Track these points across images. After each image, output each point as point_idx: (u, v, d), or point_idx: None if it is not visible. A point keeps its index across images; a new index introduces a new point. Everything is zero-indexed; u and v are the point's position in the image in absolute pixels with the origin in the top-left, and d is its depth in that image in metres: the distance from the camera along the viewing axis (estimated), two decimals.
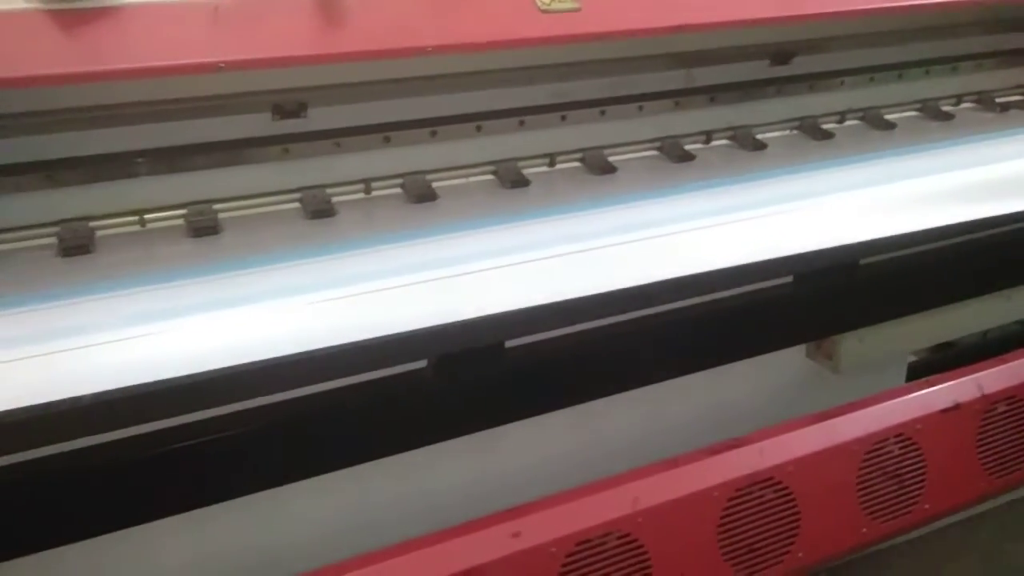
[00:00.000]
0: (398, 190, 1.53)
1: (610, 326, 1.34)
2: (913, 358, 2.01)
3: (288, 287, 1.20)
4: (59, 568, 1.16)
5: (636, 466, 1.41)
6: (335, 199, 1.47)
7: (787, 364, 1.77)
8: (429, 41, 1.27)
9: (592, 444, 1.57)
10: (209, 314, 1.14)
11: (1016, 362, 1.77)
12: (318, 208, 1.42)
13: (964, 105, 2.09)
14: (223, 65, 1.15)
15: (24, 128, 1.28)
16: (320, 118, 1.47)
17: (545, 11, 1.36)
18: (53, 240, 1.29)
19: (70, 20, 1.12)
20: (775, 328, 1.57)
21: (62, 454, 1.02)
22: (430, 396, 1.24)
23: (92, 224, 1.32)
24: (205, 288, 1.19)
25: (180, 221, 1.37)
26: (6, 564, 1.04)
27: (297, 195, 1.45)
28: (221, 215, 1.39)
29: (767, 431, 1.51)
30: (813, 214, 1.53)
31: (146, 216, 1.36)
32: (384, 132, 1.51)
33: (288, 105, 1.42)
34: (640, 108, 1.72)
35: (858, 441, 1.54)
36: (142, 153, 1.36)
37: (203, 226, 1.34)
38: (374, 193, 1.52)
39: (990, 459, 1.67)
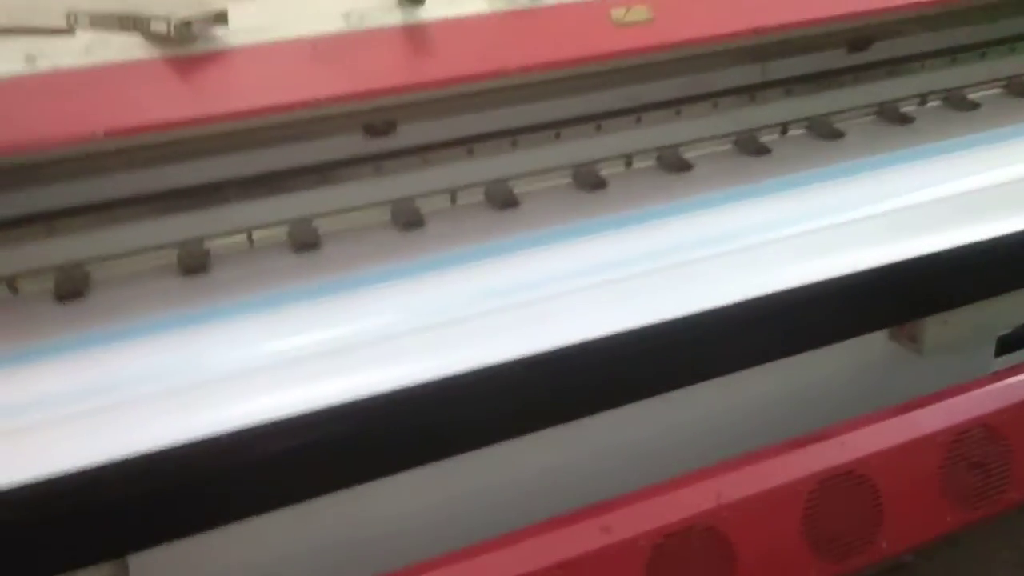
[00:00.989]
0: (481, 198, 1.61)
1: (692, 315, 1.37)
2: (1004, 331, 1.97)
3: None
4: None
5: (721, 456, 1.46)
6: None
7: (871, 347, 1.77)
8: (512, 63, 1.33)
9: (675, 434, 1.61)
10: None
11: None
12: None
13: None
14: (323, 101, 1.23)
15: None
16: (409, 134, 1.55)
17: (620, 25, 1.40)
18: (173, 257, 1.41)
19: (180, 66, 1.22)
20: (860, 312, 1.57)
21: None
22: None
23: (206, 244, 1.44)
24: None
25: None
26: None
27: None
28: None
29: (848, 423, 1.54)
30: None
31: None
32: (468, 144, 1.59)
33: (378, 124, 1.50)
34: (715, 105, 1.74)
35: (942, 432, 1.55)
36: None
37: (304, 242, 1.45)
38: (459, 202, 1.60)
39: None
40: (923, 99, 1.91)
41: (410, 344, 1.27)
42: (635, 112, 1.69)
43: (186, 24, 1.21)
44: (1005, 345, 2.00)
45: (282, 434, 1.14)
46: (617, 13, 1.41)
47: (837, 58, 1.84)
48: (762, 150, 1.74)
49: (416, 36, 1.30)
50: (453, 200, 1.59)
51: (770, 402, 1.70)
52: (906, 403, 1.59)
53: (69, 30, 1.23)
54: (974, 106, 1.91)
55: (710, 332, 1.38)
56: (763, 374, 1.51)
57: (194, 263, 1.39)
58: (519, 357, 1.25)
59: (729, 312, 1.38)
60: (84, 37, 1.23)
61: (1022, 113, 1.87)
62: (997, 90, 1.99)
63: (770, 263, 1.44)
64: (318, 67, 1.25)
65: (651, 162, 1.72)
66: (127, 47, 1.21)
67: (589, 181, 1.64)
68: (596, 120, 1.67)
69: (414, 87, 1.30)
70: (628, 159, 1.70)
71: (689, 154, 1.72)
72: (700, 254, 1.42)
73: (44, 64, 1.17)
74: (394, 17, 1.32)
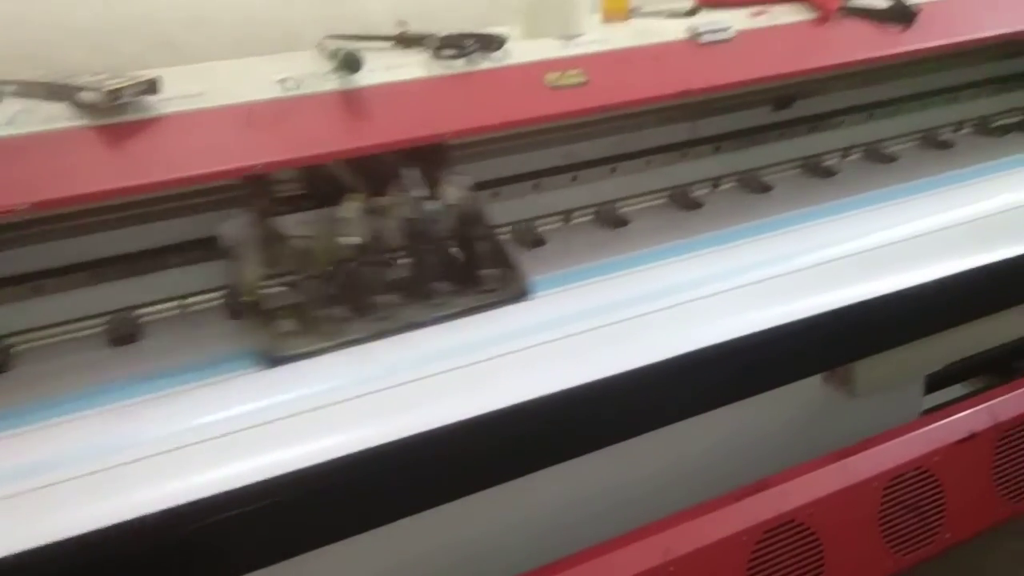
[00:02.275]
0: None
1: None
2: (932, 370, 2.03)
3: None
4: None
5: (665, 510, 1.47)
6: None
7: (807, 393, 1.81)
8: (446, 127, 1.34)
9: (616, 492, 1.60)
10: None
11: None
12: None
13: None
14: (259, 168, 1.22)
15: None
16: None
17: (554, 88, 1.43)
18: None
19: (110, 135, 1.20)
20: (793, 359, 1.61)
21: None
22: None
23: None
24: None
25: None
26: None
27: None
28: None
29: (789, 471, 1.57)
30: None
31: None
32: None
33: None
34: (648, 162, 1.79)
35: (877, 478, 1.59)
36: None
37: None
38: None
39: (1005, 485, 1.72)
40: (845, 152, 2.00)
41: (341, 414, 1.20)
42: (572, 170, 1.73)
43: (116, 93, 1.19)
44: (933, 383, 2.09)
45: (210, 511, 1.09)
46: (552, 76, 1.44)
47: (763, 115, 1.91)
48: (694, 204, 1.79)
49: (353, 102, 1.31)
50: None
51: (712, 453, 1.71)
52: (842, 449, 1.63)
53: None
54: (892, 159, 2.01)
55: (648, 387, 1.38)
56: (704, 425, 1.53)
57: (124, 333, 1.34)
58: (458, 420, 1.23)
59: (667, 366, 1.39)
60: (11, 106, 1.20)
61: (938, 164, 1.96)
62: (913, 143, 2.10)
63: (705, 316, 1.47)
64: (253, 134, 1.25)
65: (590, 217, 1.76)
66: (54, 116, 1.19)
67: (528, 238, 1.66)
68: (534, 178, 1.70)
69: (351, 153, 1.30)
70: (567, 215, 1.74)
71: (625, 209, 1.77)
72: (639, 310, 1.44)
73: None
74: (331, 84, 1.33)
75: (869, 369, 1.75)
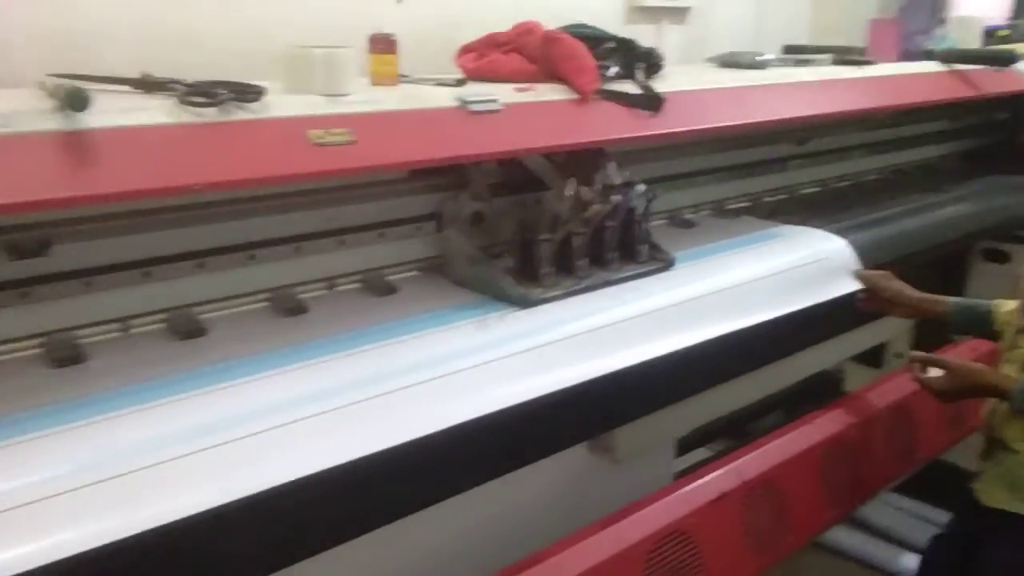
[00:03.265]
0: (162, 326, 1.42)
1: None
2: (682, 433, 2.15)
3: None
4: None
5: None
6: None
7: (573, 462, 1.83)
8: (196, 178, 1.20)
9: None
10: None
11: (768, 445, 1.98)
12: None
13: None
14: None
15: None
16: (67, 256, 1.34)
17: (319, 144, 1.35)
18: None
19: None
20: (559, 429, 1.61)
21: None
22: None
23: None
24: None
25: None
26: None
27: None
28: None
29: (559, 544, 1.55)
30: None
31: None
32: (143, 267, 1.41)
33: (27, 244, 1.27)
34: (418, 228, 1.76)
35: (640, 543, 1.62)
36: None
37: None
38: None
39: (755, 541, 1.83)
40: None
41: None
42: (337, 234, 1.64)
43: None
44: (683, 446, 2.22)
45: None
46: (315, 133, 1.36)
47: None
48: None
49: (77, 145, 1.13)
50: (125, 330, 1.39)
51: (482, 528, 1.67)
52: (606, 517, 1.65)
53: None
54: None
55: (415, 463, 1.30)
56: (472, 501, 1.47)
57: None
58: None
59: (435, 440, 1.32)
60: None
61: (683, 241, 2.11)
62: (662, 220, 2.26)
63: (473, 387, 1.42)
64: None
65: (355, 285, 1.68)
66: None
67: (288, 305, 1.53)
68: (296, 242, 1.59)
69: (70, 202, 1.11)
70: (331, 282, 1.64)
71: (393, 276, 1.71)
72: (405, 381, 1.36)
73: None
74: (51, 123, 1.14)
75: (629, 435, 1.81)
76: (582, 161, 1.79)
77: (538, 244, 1.68)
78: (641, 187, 1.83)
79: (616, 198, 1.75)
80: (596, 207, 1.70)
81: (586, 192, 1.71)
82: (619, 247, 1.82)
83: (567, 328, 1.59)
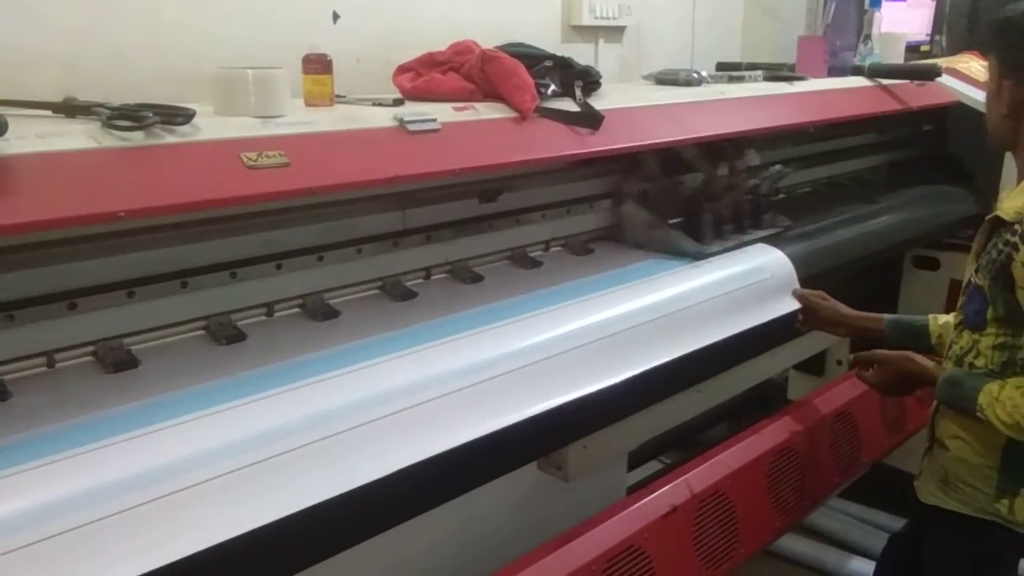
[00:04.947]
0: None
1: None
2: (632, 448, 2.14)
3: None
4: None
5: None
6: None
7: (524, 481, 1.81)
8: (119, 205, 1.15)
9: None
10: None
11: (716, 457, 1.99)
12: None
13: None
14: None
15: None
16: None
17: (252, 167, 1.31)
18: None
19: None
20: (509, 449, 1.59)
21: None
22: None
23: None
24: None
25: None
26: None
27: None
28: None
29: (512, 566, 1.53)
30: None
31: None
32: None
33: None
34: (359, 251, 1.72)
35: (595, 561, 1.60)
36: None
37: None
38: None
39: (705, 554, 1.83)
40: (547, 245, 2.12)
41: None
42: (275, 259, 1.60)
43: None
44: (633, 460, 2.22)
45: None
46: (249, 156, 1.32)
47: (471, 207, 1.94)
48: (408, 294, 1.75)
49: None
50: (51, 365, 1.32)
51: (437, 551, 1.64)
52: (561, 535, 1.63)
53: None
54: (589, 251, 2.15)
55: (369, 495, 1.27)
56: (424, 525, 1.44)
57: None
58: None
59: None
60: None
61: (627, 258, 2.12)
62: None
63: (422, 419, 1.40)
64: None
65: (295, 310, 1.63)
66: None
67: (225, 333, 1.48)
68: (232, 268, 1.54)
69: None
70: (270, 307, 1.59)
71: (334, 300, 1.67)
72: (358, 419, 1.33)
73: None
74: None
75: (580, 451, 1.80)
76: (725, 150, 2.31)
77: (702, 213, 2.16)
78: (776, 167, 2.34)
79: (754, 182, 2.30)
80: (747, 183, 2.27)
81: (733, 172, 2.29)
82: (750, 215, 2.31)
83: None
